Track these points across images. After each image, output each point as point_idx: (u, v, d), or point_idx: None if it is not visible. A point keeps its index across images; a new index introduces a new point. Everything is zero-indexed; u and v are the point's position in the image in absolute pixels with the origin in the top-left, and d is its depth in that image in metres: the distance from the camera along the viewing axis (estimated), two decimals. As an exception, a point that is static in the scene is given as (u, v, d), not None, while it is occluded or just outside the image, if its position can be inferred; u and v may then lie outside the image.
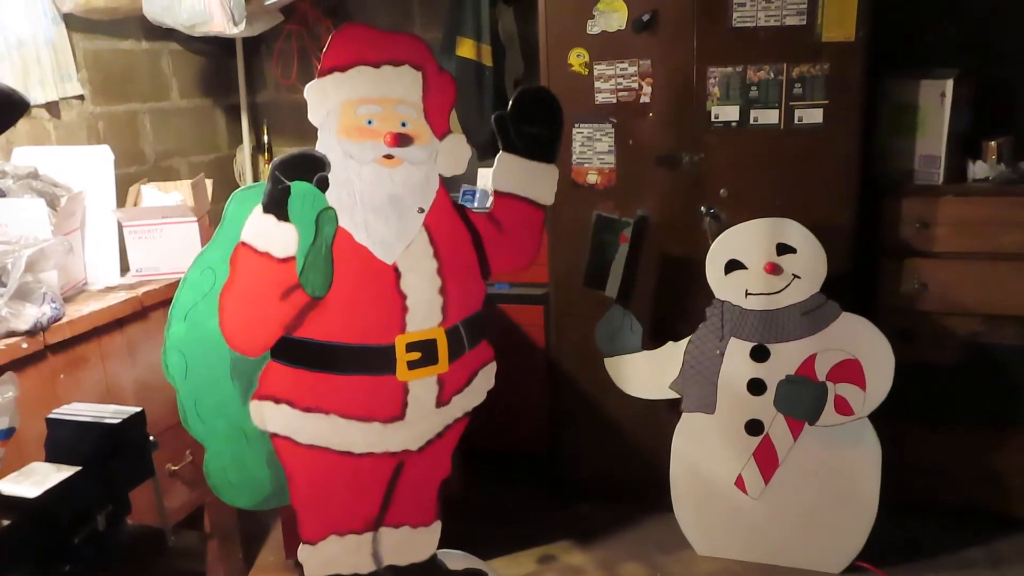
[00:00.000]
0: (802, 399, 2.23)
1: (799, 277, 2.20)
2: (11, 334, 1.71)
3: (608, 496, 2.72)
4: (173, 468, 2.12)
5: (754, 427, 2.31)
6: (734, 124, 2.33)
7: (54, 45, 2.48)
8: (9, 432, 1.16)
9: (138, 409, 1.16)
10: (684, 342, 2.33)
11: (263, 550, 2.59)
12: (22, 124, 2.38)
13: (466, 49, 2.81)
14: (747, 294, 2.24)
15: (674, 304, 2.47)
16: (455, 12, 2.82)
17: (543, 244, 2.17)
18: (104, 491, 1.09)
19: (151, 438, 1.17)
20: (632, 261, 2.34)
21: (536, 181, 2.04)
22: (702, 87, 2.33)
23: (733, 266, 2.24)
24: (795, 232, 2.18)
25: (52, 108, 2.50)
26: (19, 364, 1.70)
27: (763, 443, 2.31)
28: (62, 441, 1.10)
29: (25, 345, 1.71)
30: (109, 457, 1.10)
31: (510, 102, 2.00)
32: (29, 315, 1.73)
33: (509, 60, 2.92)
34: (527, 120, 1.99)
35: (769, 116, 2.29)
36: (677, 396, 2.37)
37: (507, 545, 2.54)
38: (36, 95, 2.41)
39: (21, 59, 2.37)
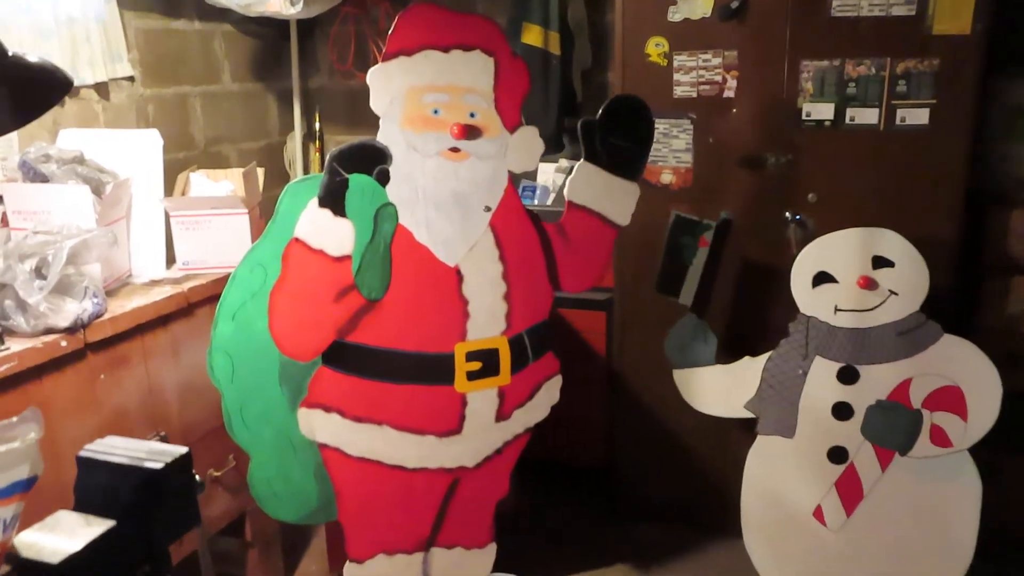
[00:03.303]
0: (894, 427, 2.04)
1: (896, 294, 2.01)
2: (49, 331, 1.60)
3: (670, 517, 2.58)
4: (215, 474, 2.01)
5: (837, 454, 2.13)
6: (827, 123, 2.15)
7: (105, 23, 2.39)
8: (30, 482, 0.98)
9: (184, 450, 1.00)
10: (763, 358, 2.16)
11: (305, 558, 2.50)
12: (70, 105, 2.30)
13: (532, 36, 2.66)
14: (836, 310, 2.06)
15: (753, 317, 2.30)
16: (522, -3, 2.67)
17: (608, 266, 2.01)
18: (142, 547, 0.94)
19: (197, 478, 1.02)
20: (711, 267, 2.17)
21: (614, 197, 1.90)
22: (793, 82, 2.16)
23: (822, 279, 2.06)
24: (893, 244, 2.00)
25: (101, 89, 2.41)
26: (57, 364, 1.60)
27: (847, 472, 2.13)
28: (94, 488, 0.95)
29: (64, 343, 1.61)
30: (149, 508, 0.95)
31: (600, 109, 1.85)
32: (69, 311, 1.62)
33: (577, 49, 2.76)
34: (615, 131, 1.85)
35: (868, 116, 2.12)
36: (751, 416, 2.21)
37: (559, 566, 2.42)
38: (85, 75, 2.32)
39: (71, 36, 2.28)
